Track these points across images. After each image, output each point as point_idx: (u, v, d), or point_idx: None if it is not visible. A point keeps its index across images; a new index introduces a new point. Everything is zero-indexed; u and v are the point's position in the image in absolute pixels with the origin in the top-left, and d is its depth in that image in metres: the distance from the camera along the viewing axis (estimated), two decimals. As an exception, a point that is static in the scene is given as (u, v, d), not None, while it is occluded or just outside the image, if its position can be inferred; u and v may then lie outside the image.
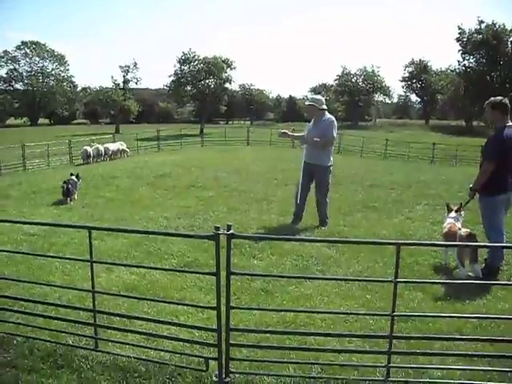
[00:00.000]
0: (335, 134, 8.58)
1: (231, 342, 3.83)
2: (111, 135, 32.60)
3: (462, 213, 6.95)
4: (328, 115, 8.58)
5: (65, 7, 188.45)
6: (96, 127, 69.99)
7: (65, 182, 11.79)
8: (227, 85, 68.34)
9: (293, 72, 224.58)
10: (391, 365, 3.81)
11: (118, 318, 4.76)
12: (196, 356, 4.08)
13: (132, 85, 68.95)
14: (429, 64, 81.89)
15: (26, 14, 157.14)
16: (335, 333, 4.54)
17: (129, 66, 66.17)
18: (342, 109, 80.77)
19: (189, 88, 65.78)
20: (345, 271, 6.43)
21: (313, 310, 5.07)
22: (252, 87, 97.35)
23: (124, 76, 66.74)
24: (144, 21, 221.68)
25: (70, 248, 7.36)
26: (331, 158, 8.68)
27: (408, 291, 5.63)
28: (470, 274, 6.13)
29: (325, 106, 8.65)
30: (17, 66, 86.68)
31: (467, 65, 64.14)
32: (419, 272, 6.35)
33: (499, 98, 6.38)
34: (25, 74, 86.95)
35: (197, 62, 64.83)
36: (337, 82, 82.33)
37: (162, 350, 4.20)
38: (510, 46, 60.82)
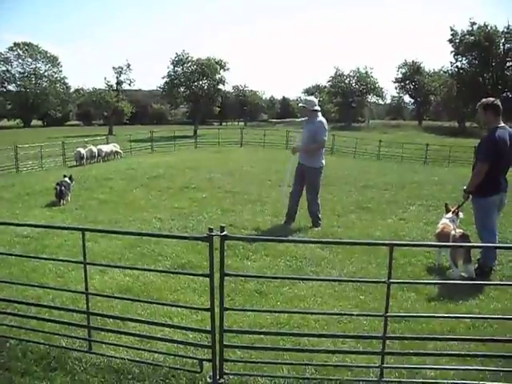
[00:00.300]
0: (325, 138, 8.69)
1: (225, 343, 3.84)
2: (104, 137, 32.51)
3: (461, 214, 6.96)
4: (320, 117, 8.66)
5: (58, 9, 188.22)
6: (89, 129, 69.96)
7: (58, 184, 11.76)
8: (221, 86, 68.40)
9: (286, 73, 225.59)
10: (385, 365, 3.82)
11: (111, 319, 4.76)
12: (190, 357, 4.08)
13: (125, 86, 68.98)
14: (422, 65, 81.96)
15: (23, 16, 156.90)
16: (329, 334, 4.55)
17: (122, 68, 66.13)
18: (335, 110, 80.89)
19: (182, 89, 65.80)
20: (338, 272, 6.44)
21: (306, 311, 5.08)
22: (245, 88, 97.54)
23: (117, 77, 66.68)
24: (136, 22, 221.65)
25: (64, 250, 7.34)
26: (322, 160, 8.78)
27: (401, 292, 5.65)
28: (463, 274, 6.16)
29: (317, 107, 8.73)
30: (9, 68, 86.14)
31: (460, 66, 64.36)
32: (412, 273, 6.38)
33: (491, 99, 6.41)
34: (17, 75, 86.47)
35: (190, 63, 64.87)
36: (330, 83, 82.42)
37: (155, 352, 4.19)
38: (501, 47, 61.13)
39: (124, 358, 4.10)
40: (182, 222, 9.25)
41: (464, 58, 63.69)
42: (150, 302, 5.07)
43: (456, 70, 64.63)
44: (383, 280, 3.86)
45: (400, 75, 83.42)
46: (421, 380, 3.80)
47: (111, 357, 4.13)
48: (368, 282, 5.88)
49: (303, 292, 5.69)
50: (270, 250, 7.24)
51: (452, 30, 63.05)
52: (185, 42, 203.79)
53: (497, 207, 6.37)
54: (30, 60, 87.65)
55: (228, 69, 66.32)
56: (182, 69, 64.99)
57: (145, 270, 6.31)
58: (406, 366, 3.95)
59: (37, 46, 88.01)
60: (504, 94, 58.21)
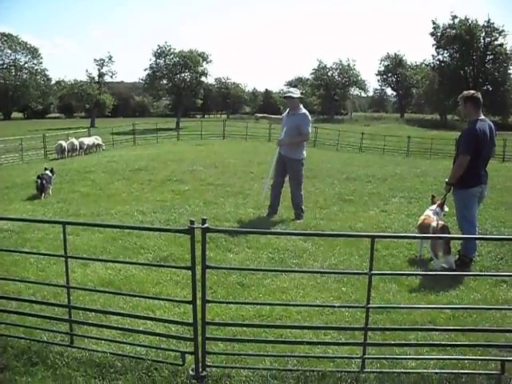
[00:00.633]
0: (310, 130, 8.79)
1: (207, 335, 3.84)
2: (86, 129, 32.21)
3: (446, 208, 7.00)
4: (303, 109, 8.70)
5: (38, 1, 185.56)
6: (71, 121, 69.22)
7: (39, 177, 11.63)
8: (203, 78, 68.00)
9: (269, 66, 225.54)
10: (366, 356, 3.86)
11: (93, 313, 4.74)
12: (172, 350, 4.08)
13: (107, 78, 68.06)
14: (404, 58, 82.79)
15: (1, 7, 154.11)
16: (311, 325, 4.58)
17: (104, 60, 65.30)
18: (317, 102, 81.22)
19: (164, 82, 65.31)
20: (321, 264, 6.47)
21: (289, 303, 5.09)
22: (228, 81, 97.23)
23: (99, 69, 65.87)
24: (119, 14, 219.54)
25: (45, 243, 7.27)
26: (304, 152, 8.82)
27: (383, 283, 5.69)
28: (444, 265, 6.22)
29: (299, 94, 8.99)
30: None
31: (441, 59, 65.01)
32: (394, 264, 6.43)
33: (472, 91, 6.48)
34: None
35: (172, 55, 64.36)
36: (313, 75, 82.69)
37: (138, 345, 4.18)
38: (482, 41, 61.69)
39: (106, 352, 4.07)
40: (164, 215, 9.20)
41: (445, 52, 64.37)
42: (132, 295, 5.04)
43: (438, 63, 65.27)
44: (365, 272, 3.89)
45: (382, 68, 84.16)
46: (402, 370, 3.84)
47: (93, 351, 4.11)
48: (350, 273, 5.92)
49: (285, 284, 5.71)
50: (252, 243, 7.24)
51: (434, 23, 63.65)
52: (167, 33, 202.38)
53: (477, 199, 6.44)
54: (9, 51, 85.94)
55: (210, 61, 66.07)
56: (165, 61, 64.50)
57: (127, 263, 6.27)
58: (387, 356, 3.98)
59: (16, 37, 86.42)
60: (485, 88, 58.96)
